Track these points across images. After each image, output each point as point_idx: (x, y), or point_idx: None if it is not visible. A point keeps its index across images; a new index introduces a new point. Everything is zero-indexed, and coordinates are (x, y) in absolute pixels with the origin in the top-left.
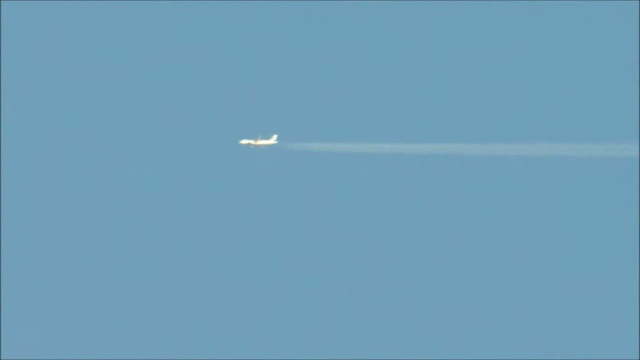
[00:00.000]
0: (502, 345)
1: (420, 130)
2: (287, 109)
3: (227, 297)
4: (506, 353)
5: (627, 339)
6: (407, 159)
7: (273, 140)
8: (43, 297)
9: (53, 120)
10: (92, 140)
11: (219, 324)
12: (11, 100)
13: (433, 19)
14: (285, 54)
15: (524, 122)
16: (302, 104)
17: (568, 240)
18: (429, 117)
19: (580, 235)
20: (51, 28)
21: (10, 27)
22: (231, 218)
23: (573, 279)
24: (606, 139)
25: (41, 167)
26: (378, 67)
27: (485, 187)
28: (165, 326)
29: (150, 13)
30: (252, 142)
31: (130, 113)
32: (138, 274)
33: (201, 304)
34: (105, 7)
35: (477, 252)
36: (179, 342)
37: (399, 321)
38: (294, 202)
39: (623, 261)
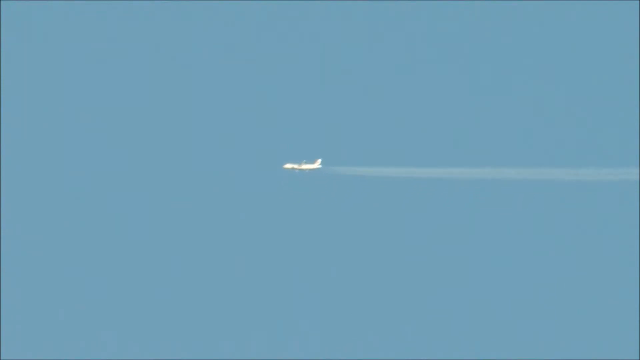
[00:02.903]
0: (502, 345)
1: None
2: (332, 132)
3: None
4: (506, 353)
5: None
6: (450, 183)
7: (317, 164)
8: (43, 297)
9: (53, 120)
10: (92, 140)
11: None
12: (11, 100)
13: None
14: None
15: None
16: (347, 127)
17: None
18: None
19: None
20: (51, 28)
21: (10, 27)
22: (273, 242)
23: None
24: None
25: (41, 167)
26: (422, 90)
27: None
28: (165, 326)
29: (152, 14)
30: (296, 166)
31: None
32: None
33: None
34: (105, 7)
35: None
36: (179, 342)
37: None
38: (337, 227)
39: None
